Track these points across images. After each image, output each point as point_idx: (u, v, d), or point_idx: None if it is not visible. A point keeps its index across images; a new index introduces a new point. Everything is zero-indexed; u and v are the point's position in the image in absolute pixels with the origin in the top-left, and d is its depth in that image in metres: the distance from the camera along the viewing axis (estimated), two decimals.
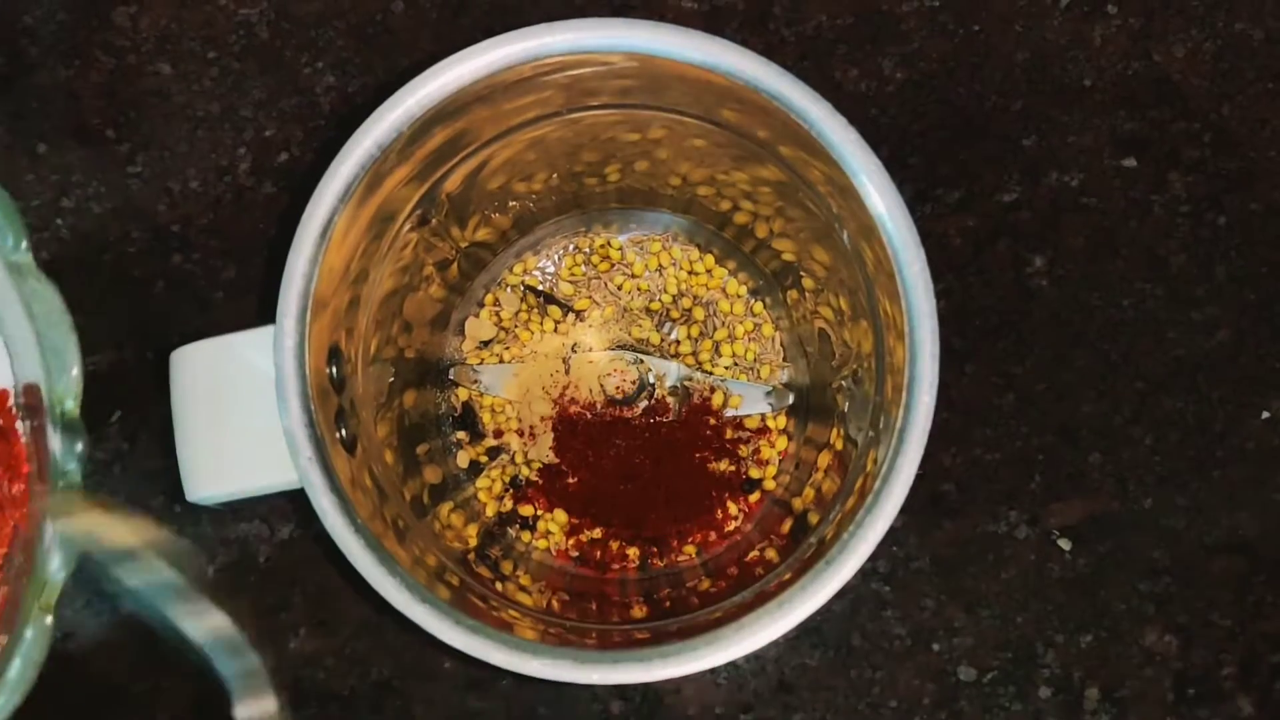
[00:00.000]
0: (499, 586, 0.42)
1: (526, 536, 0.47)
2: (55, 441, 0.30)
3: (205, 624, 0.34)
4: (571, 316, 0.48)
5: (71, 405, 0.31)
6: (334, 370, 0.38)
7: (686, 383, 0.47)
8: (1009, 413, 0.48)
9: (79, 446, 0.31)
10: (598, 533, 0.46)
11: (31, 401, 0.33)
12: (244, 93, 0.50)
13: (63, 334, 0.33)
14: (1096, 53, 0.49)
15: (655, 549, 0.46)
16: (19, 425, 0.33)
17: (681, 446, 0.46)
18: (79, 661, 0.46)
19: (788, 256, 0.45)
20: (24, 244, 0.32)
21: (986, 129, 0.49)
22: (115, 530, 0.33)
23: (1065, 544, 0.47)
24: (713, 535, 0.46)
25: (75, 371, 0.31)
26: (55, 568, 0.32)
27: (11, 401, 0.34)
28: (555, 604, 0.42)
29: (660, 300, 0.48)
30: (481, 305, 0.48)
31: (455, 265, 0.46)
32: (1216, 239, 0.49)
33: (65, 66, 0.50)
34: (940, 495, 0.47)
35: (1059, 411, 0.48)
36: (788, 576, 0.36)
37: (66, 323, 0.33)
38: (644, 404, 0.47)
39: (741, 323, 0.48)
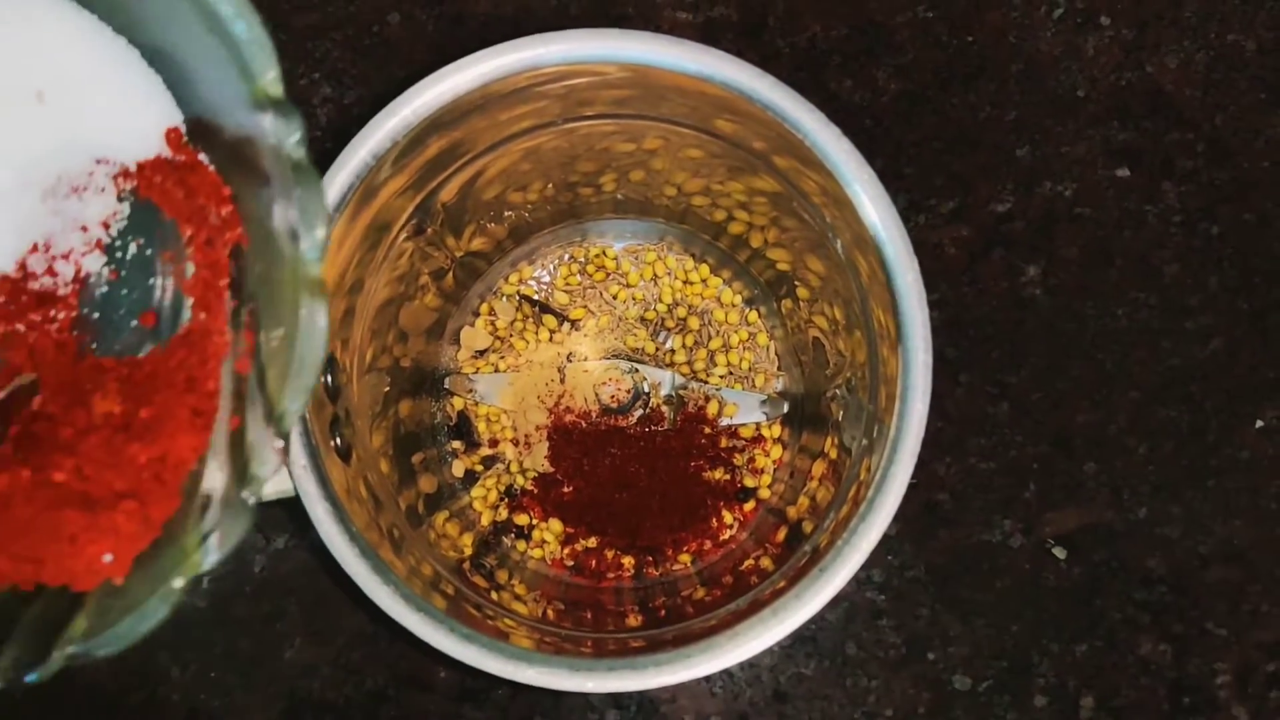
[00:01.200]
0: (494, 595, 0.42)
1: (522, 545, 0.47)
2: (267, 121, 0.30)
3: None
4: (567, 326, 0.48)
5: (274, 80, 0.30)
6: (329, 379, 0.38)
7: (681, 392, 0.47)
8: (1003, 422, 0.48)
9: (294, 124, 0.30)
10: (593, 541, 0.46)
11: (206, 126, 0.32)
12: None
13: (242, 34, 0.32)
14: (1090, 64, 0.49)
15: (650, 558, 0.46)
16: (201, 157, 0.32)
17: (676, 455, 0.46)
18: (75, 672, 0.46)
19: (782, 266, 0.46)
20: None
21: (980, 140, 0.49)
22: None
23: (1060, 553, 0.47)
24: (708, 544, 0.46)
25: (270, 67, 0.30)
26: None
27: (185, 137, 0.33)
28: (550, 613, 0.42)
29: (655, 309, 0.48)
30: (477, 315, 0.48)
31: (451, 275, 0.46)
32: (1210, 249, 0.49)
33: None
34: (935, 504, 0.47)
35: (1053, 421, 0.48)
36: (782, 584, 0.36)
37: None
38: (639, 413, 0.47)
39: (736, 332, 0.48)
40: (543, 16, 0.50)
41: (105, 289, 0.33)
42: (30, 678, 0.30)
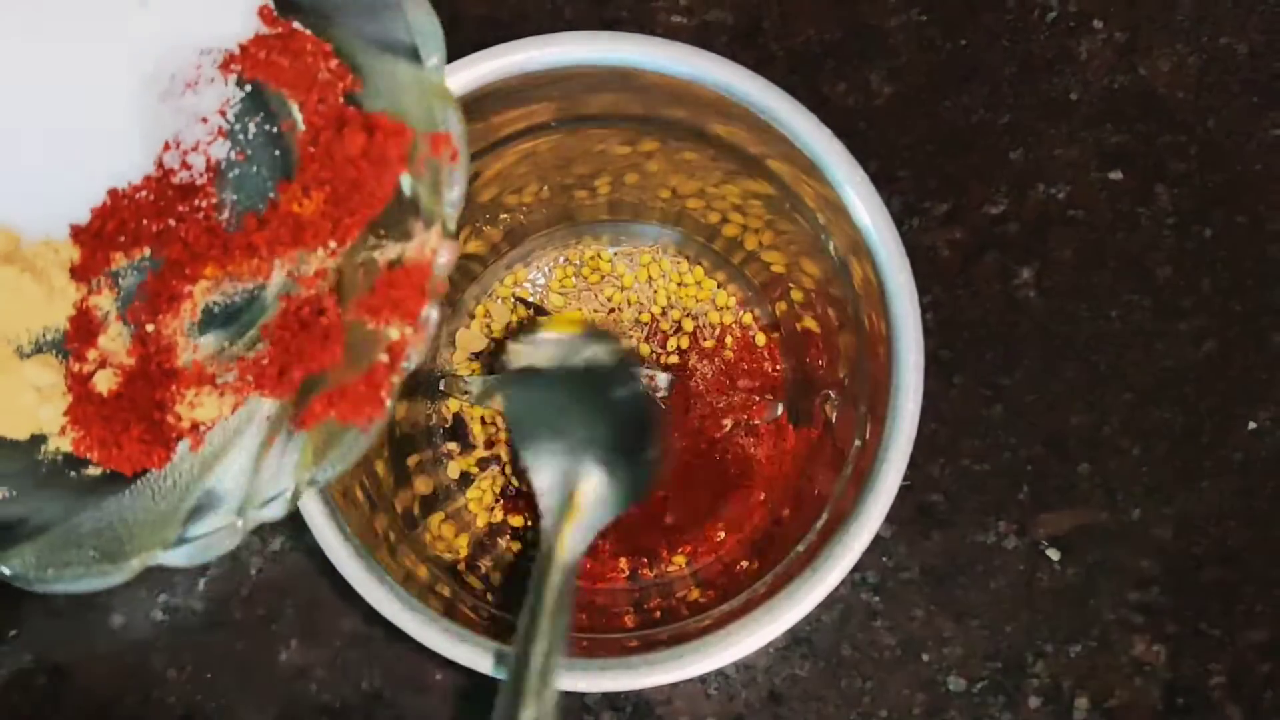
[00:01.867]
0: (490, 597, 0.42)
1: (517, 547, 0.47)
2: None
3: None
4: None
5: None
6: None
7: (675, 394, 0.47)
8: (997, 424, 0.48)
9: None
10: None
11: None
12: None
13: None
14: (1083, 67, 0.50)
15: (645, 559, 0.46)
16: (295, 25, 0.34)
17: (670, 456, 0.46)
18: (71, 674, 0.46)
19: (777, 269, 0.46)
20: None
21: (974, 142, 0.49)
22: None
23: (1054, 554, 0.47)
24: (703, 545, 0.46)
25: None
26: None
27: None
28: None
29: (650, 311, 0.48)
30: (472, 317, 0.49)
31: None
32: (1203, 251, 0.49)
33: None
34: (929, 506, 0.47)
35: (1047, 422, 0.48)
36: (775, 585, 0.36)
37: None
38: None
39: (730, 334, 0.48)
40: (538, 19, 0.50)
41: (237, 171, 0.35)
42: (269, 514, 0.31)
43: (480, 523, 0.47)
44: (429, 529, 0.44)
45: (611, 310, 0.48)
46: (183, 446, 0.34)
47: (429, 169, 0.31)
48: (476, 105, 0.38)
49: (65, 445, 0.34)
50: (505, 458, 0.47)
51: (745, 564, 0.43)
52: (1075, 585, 0.47)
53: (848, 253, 0.39)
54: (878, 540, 0.46)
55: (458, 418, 0.48)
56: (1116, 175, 0.49)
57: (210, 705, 0.46)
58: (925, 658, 0.46)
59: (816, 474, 0.42)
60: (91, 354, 0.34)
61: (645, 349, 0.48)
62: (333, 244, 0.33)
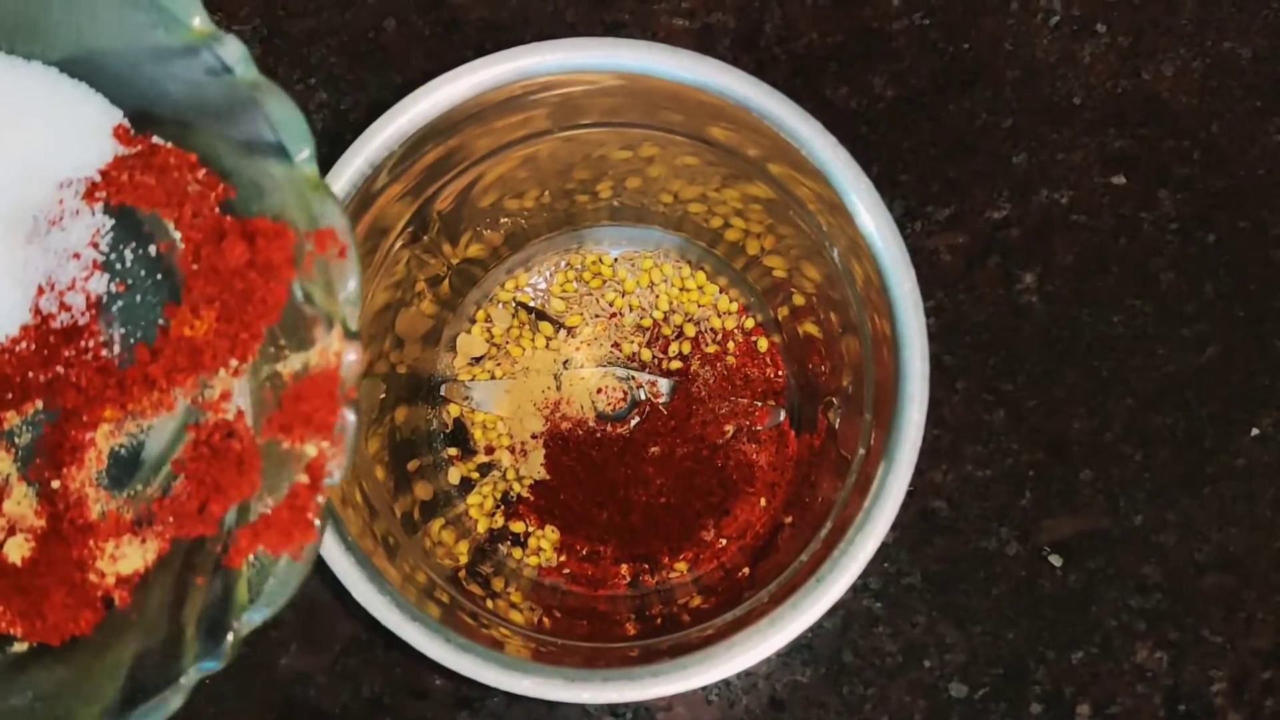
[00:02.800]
0: (490, 604, 0.41)
1: (518, 553, 0.47)
2: (208, 58, 0.29)
3: None
4: (563, 333, 0.48)
5: (202, 20, 0.30)
6: None
7: (677, 399, 0.47)
8: (1000, 430, 0.48)
9: (233, 46, 0.30)
10: (589, 549, 0.46)
11: None
12: None
13: None
14: (1086, 71, 0.50)
15: (647, 566, 0.46)
16: (154, 140, 0.32)
17: (673, 462, 0.46)
18: None
19: (778, 273, 0.46)
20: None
21: (976, 146, 0.49)
22: None
23: (1056, 560, 0.47)
24: (704, 552, 0.46)
25: (193, 10, 0.30)
26: None
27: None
28: (547, 622, 0.42)
29: (652, 316, 0.48)
30: (473, 321, 0.48)
31: (447, 282, 0.46)
32: (1206, 256, 0.49)
33: None
34: (931, 512, 0.47)
35: (1050, 428, 0.48)
36: (779, 593, 0.36)
37: None
38: (635, 420, 0.47)
39: (732, 339, 0.48)
40: (539, 23, 0.50)
41: (120, 303, 0.33)
42: (210, 665, 0.29)
43: (481, 528, 0.47)
44: (429, 534, 0.44)
45: (613, 315, 0.48)
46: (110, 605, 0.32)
47: (319, 268, 0.29)
48: (477, 111, 0.38)
49: None
50: (506, 463, 0.47)
51: (747, 571, 0.43)
52: (1077, 591, 0.47)
53: (849, 257, 0.39)
54: (880, 546, 0.46)
55: (458, 423, 0.48)
56: (1119, 180, 0.49)
57: (209, 711, 0.46)
58: (927, 664, 0.46)
59: (819, 481, 0.42)
60: None
61: (647, 354, 0.48)
62: (234, 362, 0.31)
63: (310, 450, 0.29)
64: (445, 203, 0.42)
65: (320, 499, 0.29)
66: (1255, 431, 0.48)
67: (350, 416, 0.29)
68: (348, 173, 0.37)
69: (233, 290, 0.31)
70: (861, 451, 0.38)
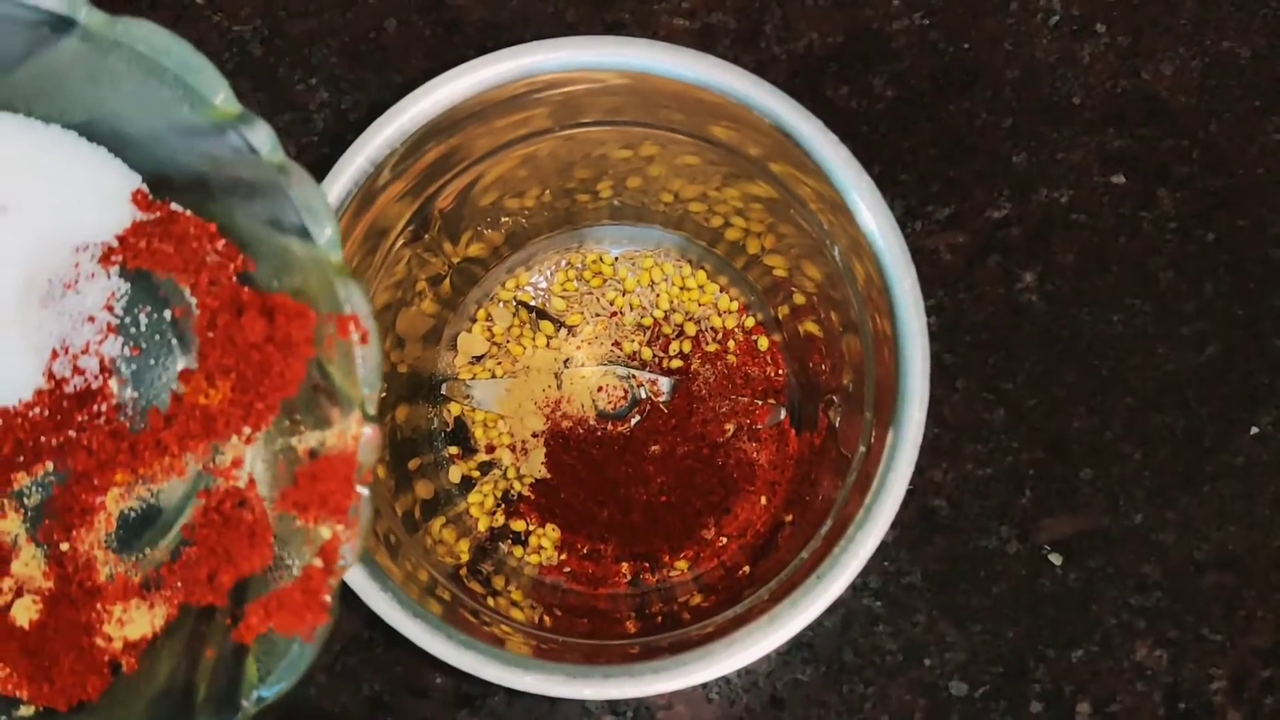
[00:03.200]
0: (491, 602, 0.42)
1: (519, 551, 0.47)
2: (234, 139, 0.29)
3: None
4: (564, 332, 0.48)
5: (227, 98, 0.29)
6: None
7: (677, 397, 0.47)
8: (1000, 428, 0.48)
9: (262, 130, 0.29)
10: (590, 548, 0.46)
11: None
12: None
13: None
14: (1085, 71, 0.50)
15: (647, 564, 0.46)
16: (173, 206, 0.32)
17: (673, 461, 0.46)
18: None
19: (779, 273, 0.46)
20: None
21: (976, 146, 0.49)
22: None
23: (1056, 559, 0.47)
24: (705, 550, 0.46)
25: (218, 87, 0.30)
26: None
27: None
28: (547, 619, 0.42)
29: (652, 315, 0.48)
30: (474, 320, 0.48)
31: (448, 281, 0.46)
32: (1205, 255, 0.49)
33: None
34: (931, 511, 0.47)
35: (1050, 427, 0.48)
36: (779, 591, 0.36)
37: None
38: (636, 419, 0.47)
39: (733, 338, 0.48)
40: (539, 23, 0.50)
41: (134, 366, 0.33)
42: None
43: (481, 527, 0.47)
44: (430, 533, 0.44)
45: (614, 314, 0.48)
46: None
47: (339, 351, 0.29)
48: (478, 110, 0.38)
49: None
50: (507, 462, 0.47)
51: (747, 569, 0.43)
52: (1077, 590, 0.47)
53: (850, 255, 0.39)
54: (880, 545, 0.46)
55: (459, 422, 0.48)
56: (1119, 179, 0.49)
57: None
58: (927, 663, 0.46)
59: (820, 479, 0.42)
60: (6, 583, 0.32)
61: (647, 353, 0.48)
62: (247, 430, 0.31)
63: (324, 533, 0.29)
64: (446, 201, 0.42)
65: (333, 581, 0.29)
66: (1254, 430, 0.48)
67: (366, 499, 0.29)
68: (349, 171, 0.37)
69: (249, 362, 0.31)
70: (862, 449, 0.38)
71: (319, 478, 0.30)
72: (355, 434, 0.29)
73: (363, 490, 0.29)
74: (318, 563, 0.29)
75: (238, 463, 0.32)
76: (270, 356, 0.30)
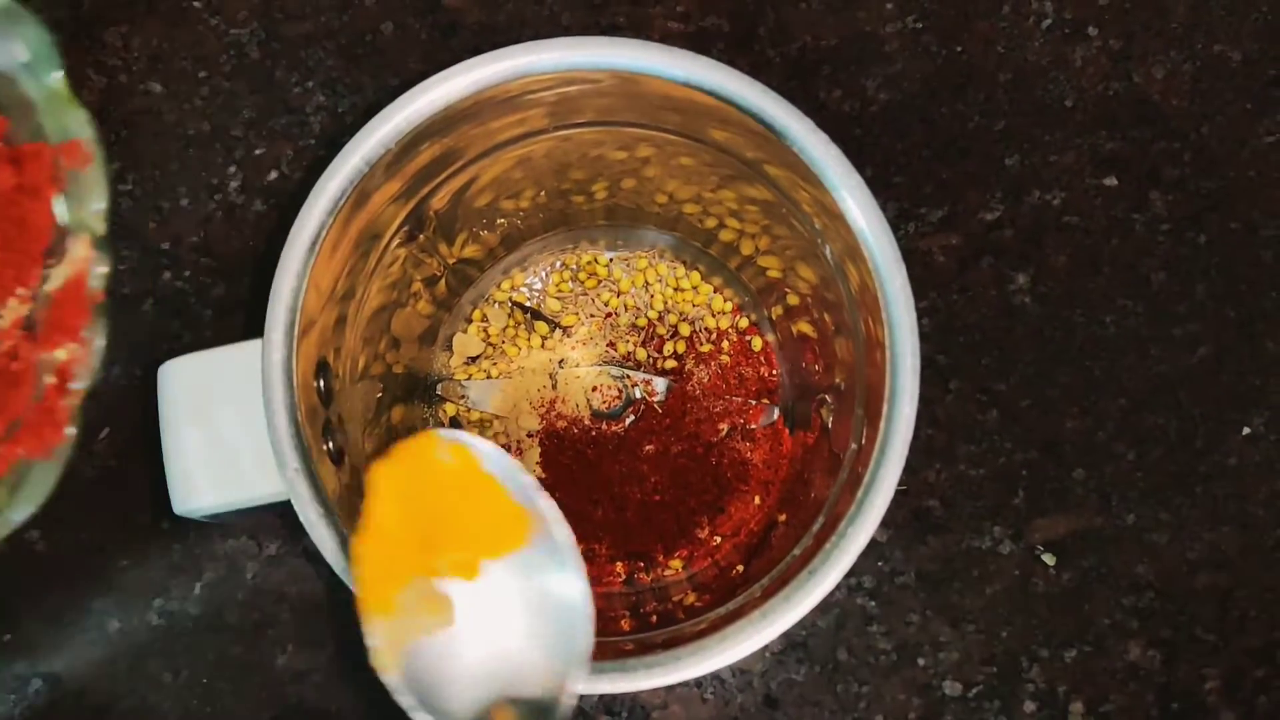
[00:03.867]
0: None
1: None
2: None
3: None
4: (558, 332, 0.48)
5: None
6: (322, 384, 0.38)
7: (671, 397, 0.47)
8: (993, 429, 0.48)
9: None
10: (584, 547, 0.46)
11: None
12: (234, 112, 0.50)
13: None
14: (1077, 74, 0.50)
15: (642, 563, 0.46)
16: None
17: (668, 460, 0.46)
18: (66, 679, 0.46)
19: (773, 274, 0.46)
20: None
21: (969, 149, 0.49)
22: None
23: (1049, 559, 0.47)
24: (699, 549, 0.46)
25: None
26: None
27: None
28: None
29: (646, 316, 0.48)
30: (469, 321, 0.49)
31: (443, 282, 0.47)
32: (1197, 257, 0.49)
33: None
34: (925, 511, 0.47)
35: (1042, 428, 0.48)
36: (771, 588, 0.36)
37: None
38: (630, 419, 0.47)
39: (727, 338, 0.48)
40: (535, 26, 0.50)
41: None
42: None
43: None
44: None
45: (608, 315, 0.48)
46: None
47: (71, 182, 0.31)
48: (473, 110, 0.38)
49: None
50: None
51: (741, 568, 0.43)
52: (1070, 590, 0.47)
53: (844, 258, 0.39)
54: (873, 545, 0.46)
55: (455, 421, 0.48)
56: (1111, 181, 0.49)
57: (206, 710, 0.46)
58: (921, 662, 0.47)
59: (813, 478, 0.43)
60: None
61: (642, 354, 0.48)
62: (21, 290, 0.33)
63: (60, 355, 0.31)
64: (441, 202, 0.42)
65: (67, 401, 0.31)
66: (1246, 431, 0.48)
67: (99, 322, 0.31)
68: (344, 170, 0.37)
69: (9, 218, 0.32)
70: (854, 447, 0.38)
71: (58, 306, 0.31)
72: (85, 256, 0.31)
73: (94, 316, 0.31)
74: (52, 379, 0.31)
75: (18, 322, 0.33)
76: (24, 206, 0.32)
